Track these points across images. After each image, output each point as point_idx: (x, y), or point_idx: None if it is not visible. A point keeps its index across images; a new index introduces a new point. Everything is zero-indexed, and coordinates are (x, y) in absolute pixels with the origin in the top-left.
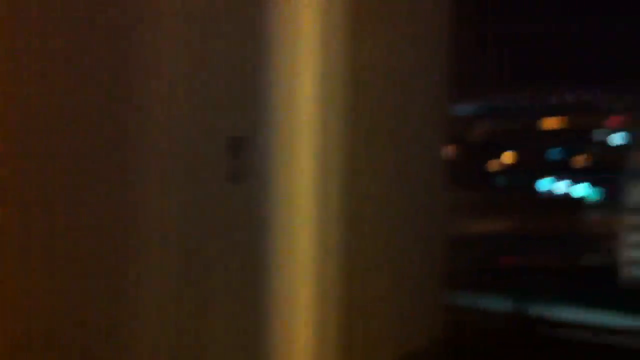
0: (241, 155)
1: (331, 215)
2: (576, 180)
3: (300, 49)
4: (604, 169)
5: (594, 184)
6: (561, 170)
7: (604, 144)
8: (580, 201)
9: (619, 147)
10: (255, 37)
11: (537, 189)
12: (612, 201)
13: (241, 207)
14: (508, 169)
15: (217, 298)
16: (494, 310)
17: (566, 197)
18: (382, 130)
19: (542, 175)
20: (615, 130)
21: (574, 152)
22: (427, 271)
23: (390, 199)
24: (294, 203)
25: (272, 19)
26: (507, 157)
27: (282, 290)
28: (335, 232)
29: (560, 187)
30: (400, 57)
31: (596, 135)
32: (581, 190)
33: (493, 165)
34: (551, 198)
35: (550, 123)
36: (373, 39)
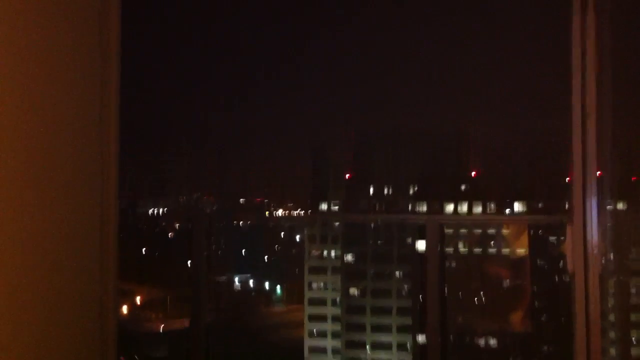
0: None
1: None
2: (261, 275)
3: None
4: (286, 263)
5: (276, 278)
6: (248, 266)
7: (289, 240)
8: (266, 295)
9: (299, 242)
10: None
11: (229, 283)
12: (294, 294)
13: None
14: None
15: None
16: None
17: (242, 290)
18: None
19: (231, 272)
20: (295, 226)
21: (258, 248)
22: None
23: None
24: None
25: None
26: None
27: None
28: None
29: (248, 281)
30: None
31: (280, 230)
32: (267, 284)
33: (184, 261)
34: (238, 292)
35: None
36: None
